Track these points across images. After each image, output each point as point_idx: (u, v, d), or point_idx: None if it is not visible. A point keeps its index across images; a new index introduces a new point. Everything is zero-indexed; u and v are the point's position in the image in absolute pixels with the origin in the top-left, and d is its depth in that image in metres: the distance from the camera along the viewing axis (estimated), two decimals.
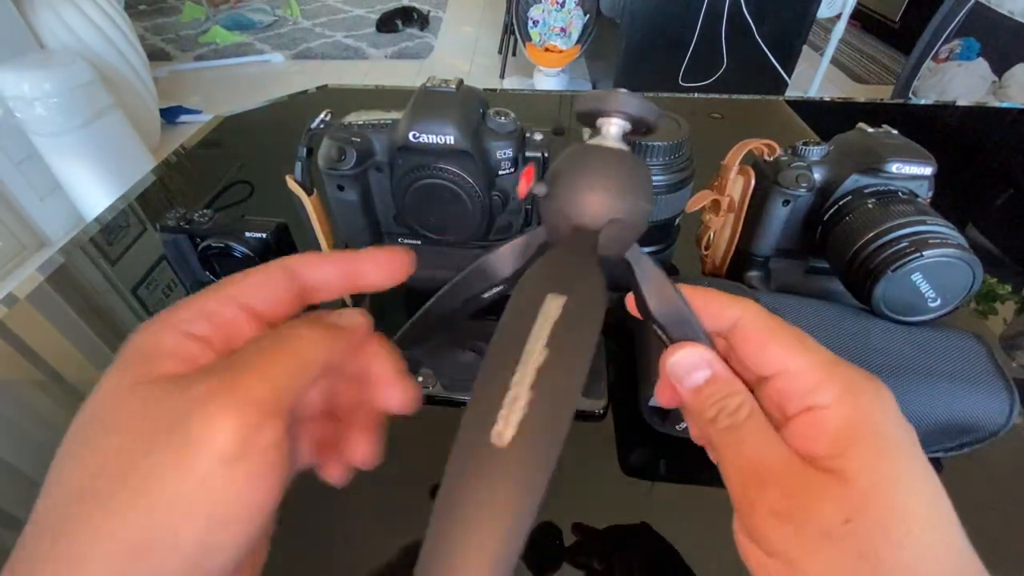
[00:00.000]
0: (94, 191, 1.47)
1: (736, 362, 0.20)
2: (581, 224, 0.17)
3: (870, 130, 0.39)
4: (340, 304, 0.41)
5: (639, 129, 0.19)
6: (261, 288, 0.17)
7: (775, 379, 0.18)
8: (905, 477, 0.15)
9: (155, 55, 2.46)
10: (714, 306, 0.20)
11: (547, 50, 2.02)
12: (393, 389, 0.20)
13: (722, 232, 0.43)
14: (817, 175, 0.38)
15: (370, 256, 0.19)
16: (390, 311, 0.45)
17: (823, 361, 0.17)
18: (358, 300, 0.47)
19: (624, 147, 0.18)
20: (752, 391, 0.19)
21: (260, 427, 0.14)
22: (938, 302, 0.33)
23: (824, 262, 0.39)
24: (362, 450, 0.19)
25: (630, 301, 0.21)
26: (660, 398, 0.21)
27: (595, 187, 0.17)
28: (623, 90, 0.18)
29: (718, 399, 0.18)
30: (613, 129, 0.18)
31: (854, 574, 0.14)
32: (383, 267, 0.19)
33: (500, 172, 0.38)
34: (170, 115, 2.02)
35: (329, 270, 0.19)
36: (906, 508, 0.15)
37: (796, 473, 0.16)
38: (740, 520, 0.17)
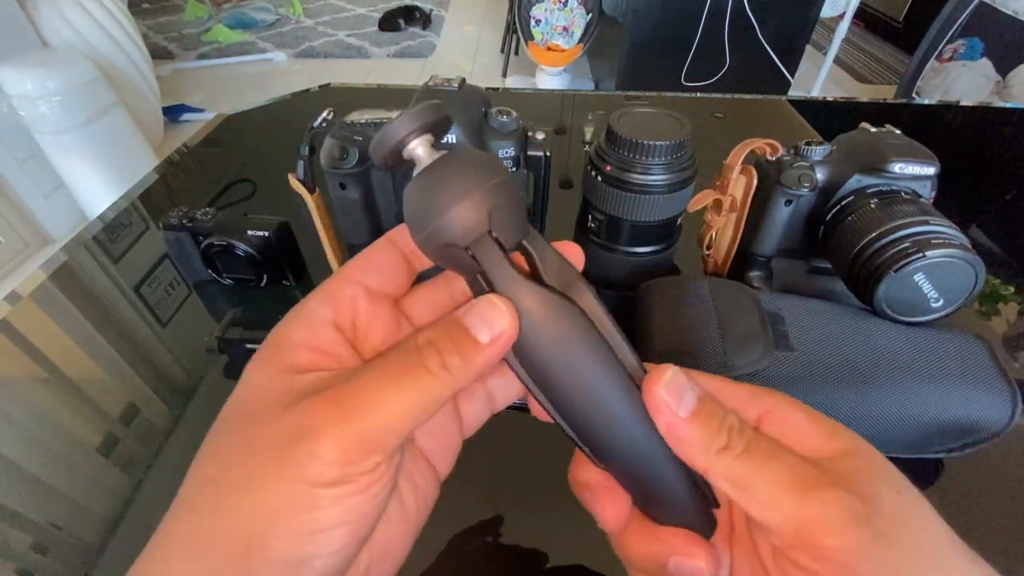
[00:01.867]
0: (97, 189, 1.48)
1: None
2: (471, 238, 0.16)
3: (873, 130, 0.39)
4: None
5: (440, 130, 0.17)
6: (372, 264, 0.18)
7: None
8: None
9: (158, 53, 2.46)
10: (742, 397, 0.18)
11: (549, 49, 2.02)
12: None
13: (724, 232, 0.43)
14: (820, 175, 0.38)
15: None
16: None
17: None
18: None
19: (441, 152, 0.17)
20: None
21: (361, 462, 0.14)
22: (940, 302, 0.33)
23: (826, 262, 0.39)
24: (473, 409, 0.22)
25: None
26: (606, 515, 0.19)
27: (455, 201, 0.16)
28: (395, 118, 0.16)
29: (721, 419, 0.16)
30: (419, 150, 0.17)
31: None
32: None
33: None
34: (173, 113, 2.02)
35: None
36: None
37: (852, 471, 0.15)
38: (802, 547, 0.15)
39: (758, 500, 0.15)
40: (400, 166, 0.17)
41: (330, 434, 0.14)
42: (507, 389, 0.22)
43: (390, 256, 0.19)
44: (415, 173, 0.17)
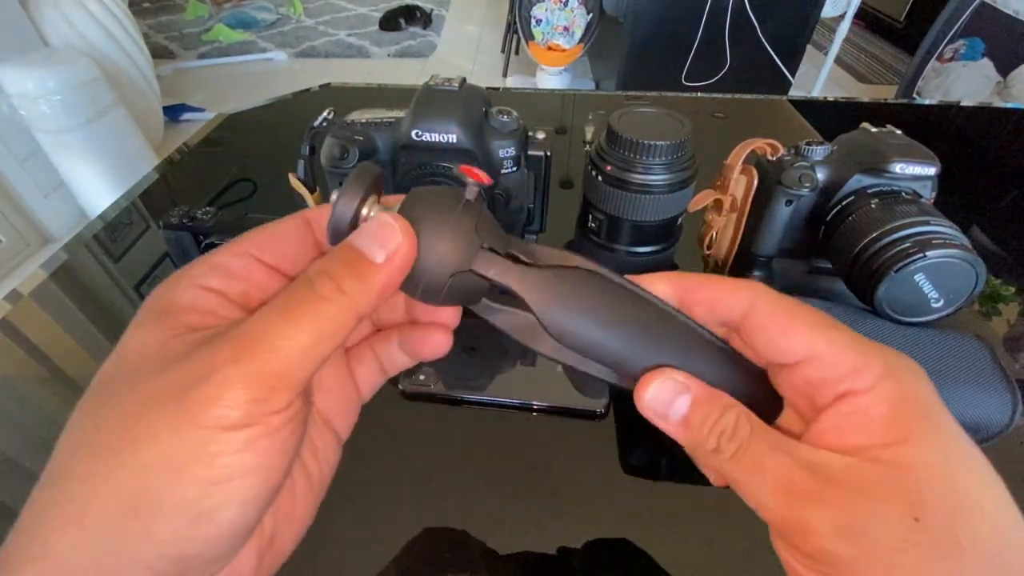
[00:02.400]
0: (97, 188, 1.48)
1: (749, 351, 0.18)
2: (471, 259, 0.17)
3: (874, 130, 0.39)
4: None
5: (379, 187, 0.17)
6: (274, 239, 0.17)
7: (801, 366, 0.16)
8: (968, 461, 0.14)
9: (159, 53, 2.46)
10: (720, 293, 0.17)
11: (550, 49, 2.02)
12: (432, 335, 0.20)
13: (725, 232, 0.43)
14: (820, 175, 0.38)
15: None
16: None
17: (854, 342, 0.15)
18: None
19: (392, 207, 0.17)
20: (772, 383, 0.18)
21: (268, 400, 0.13)
22: (941, 303, 0.33)
23: (827, 262, 0.39)
24: (435, 340, 0.20)
25: None
26: None
27: (440, 237, 0.16)
28: (335, 201, 0.16)
29: (712, 423, 0.16)
30: (373, 214, 0.17)
31: (937, 572, 0.13)
32: None
33: (503, 171, 0.38)
34: (173, 113, 2.02)
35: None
36: (976, 492, 0.14)
37: (847, 477, 0.14)
38: (792, 544, 0.15)
39: (749, 498, 0.15)
40: None
41: (232, 374, 0.13)
42: (396, 357, 0.21)
43: (298, 236, 0.18)
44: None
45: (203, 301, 0.15)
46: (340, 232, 0.16)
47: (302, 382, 0.14)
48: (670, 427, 0.17)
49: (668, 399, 0.17)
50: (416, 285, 0.17)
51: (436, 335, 0.20)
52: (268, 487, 0.14)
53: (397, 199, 0.17)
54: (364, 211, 0.16)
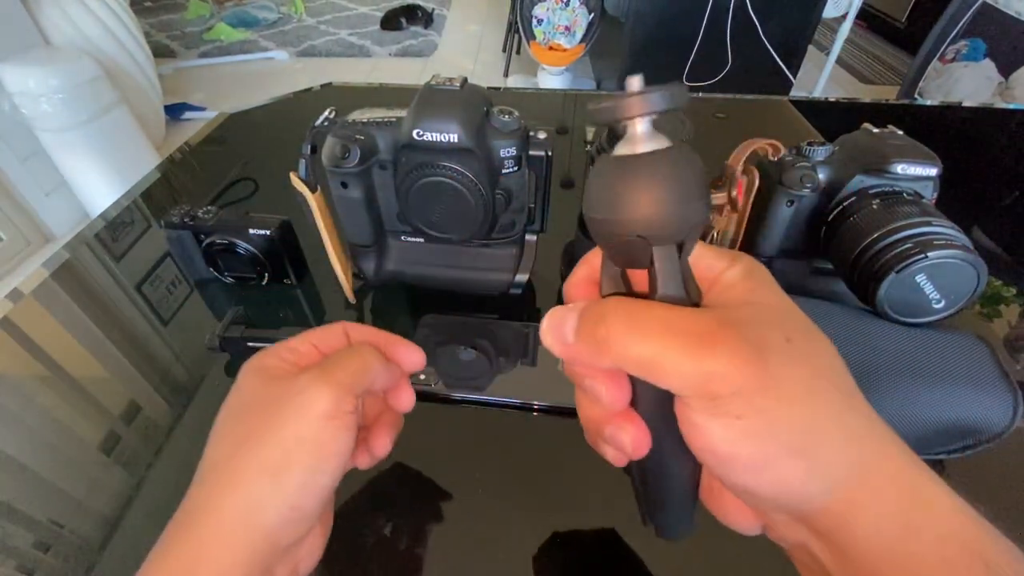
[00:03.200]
0: (99, 187, 1.48)
1: None
2: (665, 239, 0.16)
3: (875, 130, 0.39)
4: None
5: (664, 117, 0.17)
6: (325, 337, 0.26)
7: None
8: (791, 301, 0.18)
9: (160, 52, 2.46)
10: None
11: (551, 48, 2.02)
12: (404, 393, 0.28)
13: (726, 232, 0.43)
14: (821, 175, 0.38)
15: (399, 344, 0.27)
16: (393, 307, 0.45)
17: (725, 255, 0.19)
18: (361, 304, 0.47)
19: (665, 142, 0.16)
20: None
21: (343, 399, 0.22)
22: (942, 304, 0.33)
23: (828, 263, 0.39)
24: (382, 443, 0.28)
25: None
26: None
27: (675, 200, 0.16)
28: (641, 87, 0.16)
29: (590, 319, 0.17)
30: (641, 128, 0.16)
31: (804, 373, 0.16)
32: (402, 356, 0.27)
33: (504, 171, 0.38)
34: (175, 112, 2.02)
35: (368, 337, 0.27)
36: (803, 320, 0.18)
37: (736, 318, 0.16)
38: (704, 393, 0.15)
39: (665, 372, 0.16)
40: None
41: (321, 384, 0.22)
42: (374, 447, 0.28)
43: (338, 337, 0.27)
44: (626, 149, 0.16)
45: (284, 363, 0.24)
46: (606, 116, 0.16)
47: (359, 393, 0.23)
48: (570, 347, 0.18)
49: (559, 321, 0.18)
50: (613, 212, 0.16)
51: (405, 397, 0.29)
52: (341, 466, 0.22)
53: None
54: (641, 120, 0.16)
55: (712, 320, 0.16)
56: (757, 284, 0.18)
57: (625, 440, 0.18)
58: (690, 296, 0.17)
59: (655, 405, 0.18)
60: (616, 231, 0.16)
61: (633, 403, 0.18)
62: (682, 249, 0.17)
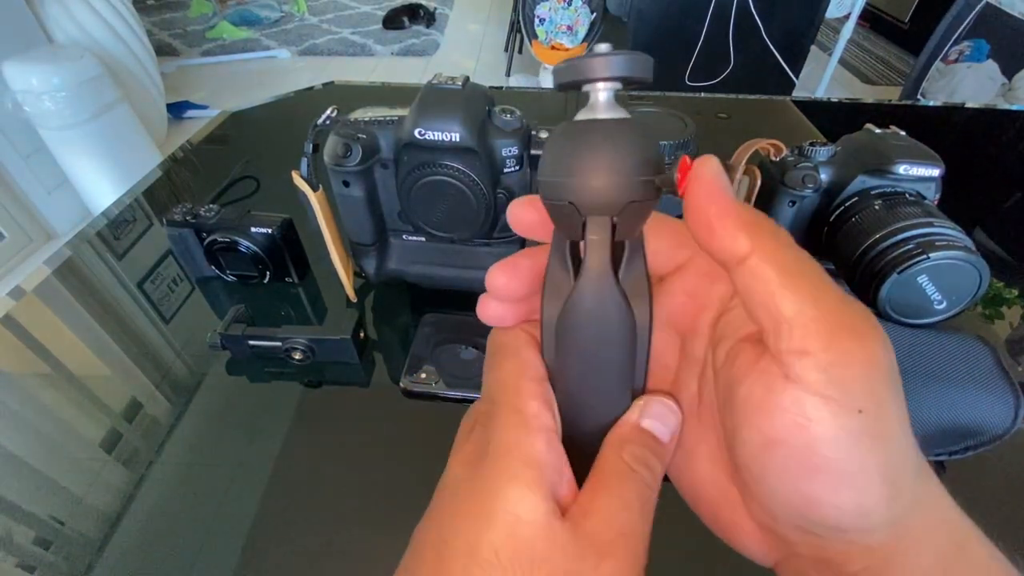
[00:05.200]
0: (101, 185, 1.48)
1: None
2: (595, 210, 0.16)
3: (878, 131, 0.39)
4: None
5: (631, 85, 0.17)
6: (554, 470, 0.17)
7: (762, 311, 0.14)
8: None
9: (162, 50, 2.46)
10: (713, 239, 0.14)
11: (553, 48, 2.02)
12: None
13: None
14: (824, 176, 0.38)
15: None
16: (394, 306, 0.45)
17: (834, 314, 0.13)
18: (362, 319, 0.47)
19: (622, 114, 0.16)
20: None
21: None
22: (944, 304, 0.33)
23: (830, 263, 0.39)
24: None
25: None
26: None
27: (607, 169, 0.15)
28: (605, 50, 0.15)
29: (749, 214, 0.14)
30: (602, 96, 0.16)
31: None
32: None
33: (505, 170, 0.38)
34: (177, 110, 2.03)
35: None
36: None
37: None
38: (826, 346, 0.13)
39: (801, 282, 0.13)
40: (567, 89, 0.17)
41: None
42: None
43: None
44: (586, 114, 0.16)
45: (549, 479, 0.16)
46: (567, 76, 0.16)
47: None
48: (732, 204, 0.14)
49: (725, 185, 0.14)
50: (556, 175, 0.16)
51: None
52: None
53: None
54: (603, 87, 0.16)
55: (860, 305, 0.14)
56: None
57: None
58: (629, 280, 0.17)
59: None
60: (550, 194, 0.16)
61: None
62: (616, 228, 0.16)
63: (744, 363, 0.15)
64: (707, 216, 0.14)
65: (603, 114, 0.16)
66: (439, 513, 0.18)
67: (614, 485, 0.17)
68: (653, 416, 0.18)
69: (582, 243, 0.16)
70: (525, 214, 0.18)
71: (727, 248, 0.14)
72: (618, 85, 0.16)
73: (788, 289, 0.13)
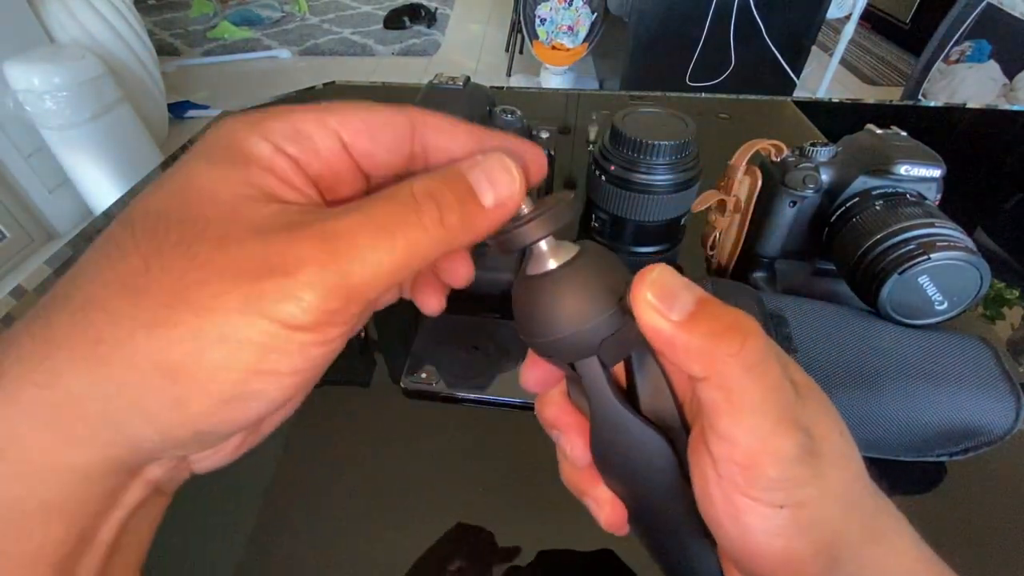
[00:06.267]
0: (102, 185, 1.48)
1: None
2: (574, 357, 0.16)
3: (878, 131, 0.39)
4: None
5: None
6: (370, 130, 0.15)
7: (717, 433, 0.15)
8: None
9: (164, 50, 2.47)
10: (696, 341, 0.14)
11: (554, 48, 2.02)
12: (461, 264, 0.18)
13: (728, 232, 0.43)
14: (824, 176, 0.38)
15: (518, 144, 0.16)
16: (392, 306, 0.45)
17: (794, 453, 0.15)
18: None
19: (569, 252, 0.16)
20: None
21: (339, 312, 0.13)
22: (945, 305, 0.33)
23: (830, 264, 0.39)
24: (463, 271, 0.18)
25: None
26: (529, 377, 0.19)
27: (567, 323, 0.16)
28: (527, 215, 0.15)
29: (730, 319, 0.14)
30: (543, 246, 0.16)
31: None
32: (530, 163, 0.17)
33: None
34: (178, 110, 2.03)
35: (463, 143, 0.16)
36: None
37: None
38: (750, 468, 0.14)
39: (741, 415, 0.14)
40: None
41: (313, 277, 0.12)
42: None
43: (395, 136, 0.15)
44: (531, 269, 0.16)
45: (279, 164, 0.14)
46: (507, 246, 0.16)
47: (373, 302, 0.14)
48: (674, 327, 0.14)
49: (672, 292, 0.14)
50: (529, 336, 0.16)
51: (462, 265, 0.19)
52: (301, 391, 0.14)
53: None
54: (540, 243, 0.16)
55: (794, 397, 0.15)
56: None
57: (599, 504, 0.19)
58: (645, 381, 0.17)
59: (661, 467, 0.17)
60: (534, 350, 0.17)
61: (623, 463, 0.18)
62: (602, 362, 0.16)
63: (695, 439, 0.16)
64: (658, 344, 0.15)
65: (551, 262, 0.16)
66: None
67: (379, 200, 0.13)
68: (483, 169, 0.15)
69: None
70: (530, 377, 0.19)
71: (689, 369, 0.15)
72: (550, 238, 0.16)
73: (730, 416, 0.14)
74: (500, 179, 0.15)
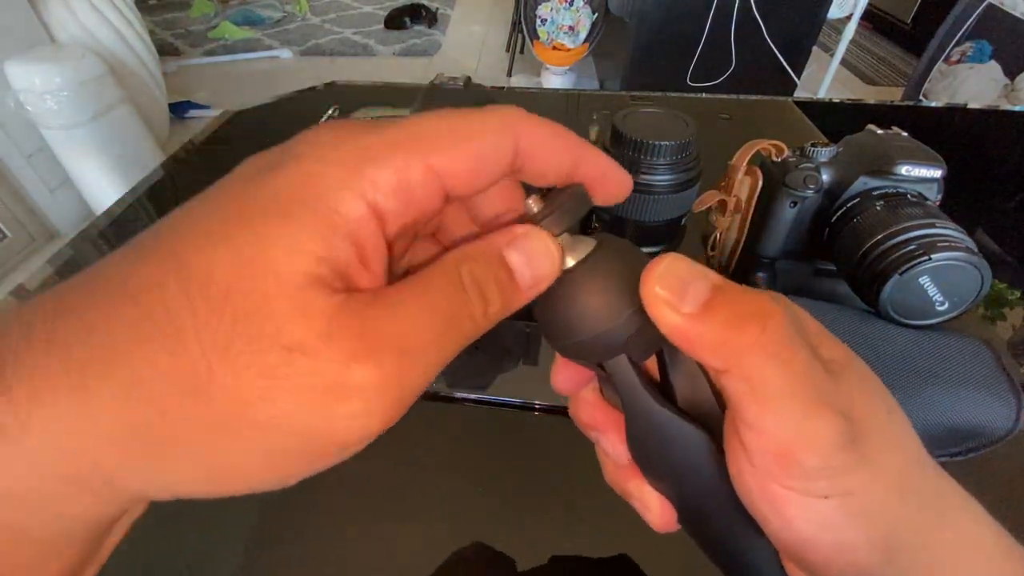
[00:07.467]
0: (103, 184, 1.48)
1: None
2: (602, 357, 0.16)
3: (879, 132, 0.39)
4: None
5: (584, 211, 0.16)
6: (477, 169, 0.13)
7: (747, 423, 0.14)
8: None
9: (165, 50, 2.47)
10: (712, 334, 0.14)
11: (555, 48, 2.02)
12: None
13: (728, 233, 0.43)
14: (825, 177, 0.38)
15: (607, 166, 0.16)
16: None
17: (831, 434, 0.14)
18: None
19: (586, 247, 0.15)
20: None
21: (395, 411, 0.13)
22: (946, 306, 0.33)
23: (831, 264, 0.39)
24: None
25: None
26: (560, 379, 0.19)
27: (591, 326, 0.15)
28: (537, 212, 0.15)
29: (743, 304, 0.14)
30: (563, 239, 0.16)
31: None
32: (614, 185, 0.16)
33: None
34: (179, 110, 2.03)
35: (559, 160, 0.15)
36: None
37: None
38: (784, 458, 0.13)
39: (768, 403, 0.13)
40: None
41: (375, 404, 0.13)
42: None
43: (500, 164, 0.14)
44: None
45: (367, 233, 0.12)
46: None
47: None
48: (687, 320, 0.14)
49: (683, 282, 0.14)
50: (554, 339, 0.16)
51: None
52: None
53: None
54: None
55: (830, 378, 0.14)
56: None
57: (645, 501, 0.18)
58: (678, 374, 0.17)
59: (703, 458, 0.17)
60: (562, 353, 0.17)
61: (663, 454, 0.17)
62: (631, 359, 0.16)
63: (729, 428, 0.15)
64: (675, 339, 0.14)
65: (568, 260, 0.15)
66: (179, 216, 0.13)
67: (432, 289, 0.13)
68: (523, 251, 0.14)
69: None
70: (560, 379, 0.19)
71: (707, 363, 0.14)
72: (565, 235, 0.16)
73: (757, 406, 0.13)
74: (541, 264, 0.14)
